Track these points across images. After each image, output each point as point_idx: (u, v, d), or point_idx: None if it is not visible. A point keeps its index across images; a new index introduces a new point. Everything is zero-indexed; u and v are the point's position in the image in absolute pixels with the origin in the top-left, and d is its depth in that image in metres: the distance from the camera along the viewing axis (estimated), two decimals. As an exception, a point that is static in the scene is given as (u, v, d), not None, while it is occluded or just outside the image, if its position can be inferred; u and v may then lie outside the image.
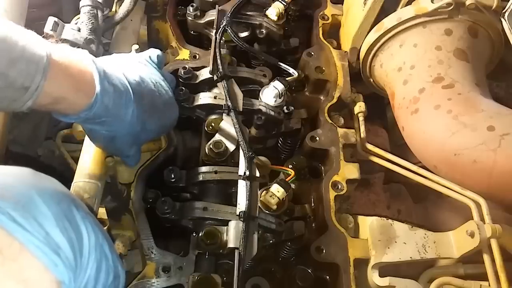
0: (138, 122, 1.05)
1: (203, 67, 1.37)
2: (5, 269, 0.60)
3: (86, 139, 1.21)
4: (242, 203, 1.10)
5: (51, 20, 1.24)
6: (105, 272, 0.74)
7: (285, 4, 1.51)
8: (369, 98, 1.57)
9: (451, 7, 1.35)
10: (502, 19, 1.28)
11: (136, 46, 1.31)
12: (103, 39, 1.39)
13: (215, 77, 1.30)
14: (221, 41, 1.39)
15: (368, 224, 1.25)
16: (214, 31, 1.41)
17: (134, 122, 1.04)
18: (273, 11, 1.50)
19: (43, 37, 0.90)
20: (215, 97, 1.28)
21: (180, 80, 1.32)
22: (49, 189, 0.73)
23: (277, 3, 1.51)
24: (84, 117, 0.95)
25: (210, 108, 1.29)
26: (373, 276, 1.18)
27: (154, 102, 1.09)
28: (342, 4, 1.70)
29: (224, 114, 1.26)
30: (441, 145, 1.24)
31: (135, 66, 1.11)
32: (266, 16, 1.51)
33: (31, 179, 0.74)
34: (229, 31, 1.41)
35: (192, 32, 1.58)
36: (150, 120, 1.09)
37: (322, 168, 1.41)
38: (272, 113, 1.29)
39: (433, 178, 1.33)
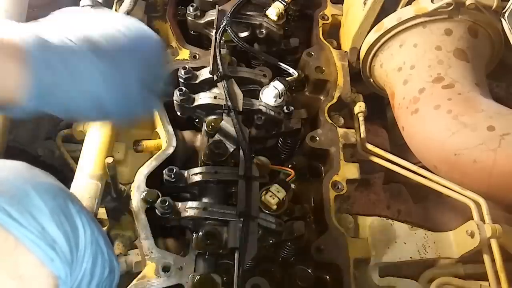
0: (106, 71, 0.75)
1: (203, 67, 1.37)
2: (0, 265, 0.60)
3: (86, 139, 1.21)
4: (242, 203, 1.10)
5: (51, 20, 1.24)
6: (101, 266, 0.74)
7: (285, 4, 1.51)
8: (369, 98, 1.57)
9: (451, 7, 1.35)
10: (502, 19, 1.28)
11: (136, 46, 1.31)
12: (103, 39, 1.39)
13: (215, 77, 1.30)
14: (221, 41, 1.39)
15: (368, 224, 1.25)
16: (214, 31, 1.41)
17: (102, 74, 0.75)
18: (273, 11, 1.50)
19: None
20: (215, 97, 1.28)
21: (180, 80, 1.32)
22: (44, 183, 0.72)
23: (277, 3, 1.51)
24: (36, 102, 0.70)
25: (210, 108, 1.29)
26: (373, 276, 1.18)
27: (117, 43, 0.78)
28: (342, 4, 1.70)
29: (224, 114, 1.26)
30: (441, 145, 1.24)
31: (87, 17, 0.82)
32: (266, 16, 1.51)
33: (26, 173, 0.73)
34: (229, 31, 1.41)
35: (192, 32, 1.58)
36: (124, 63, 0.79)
37: (322, 168, 1.41)
38: (272, 113, 1.29)
39: (433, 178, 1.33)
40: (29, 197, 0.66)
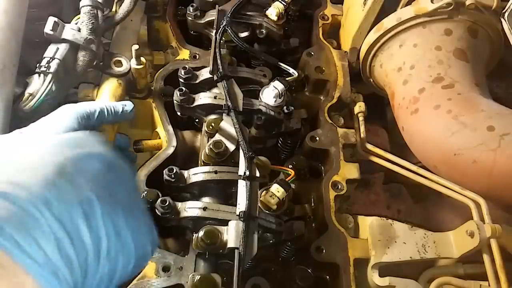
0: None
1: (203, 67, 1.37)
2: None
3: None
4: (242, 203, 1.10)
5: (51, 20, 1.24)
6: (122, 264, 0.68)
7: (285, 4, 1.51)
8: (369, 98, 1.57)
9: (451, 7, 1.35)
10: (502, 19, 1.29)
11: (136, 46, 1.31)
12: (103, 39, 1.39)
13: (215, 77, 1.30)
14: (221, 41, 1.39)
15: (368, 224, 1.25)
16: (214, 31, 1.41)
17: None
18: (273, 11, 1.50)
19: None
20: (215, 97, 1.28)
21: (180, 80, 1.32)
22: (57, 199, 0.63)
23: (277, 3, 1.51)
24: None
25: (210, 108, 1.29)
26: (373, 276, 1.18)
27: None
28: (342, 4, 1.70)
29: (224, 114, 1.26)
30: (441, 145, 1.24)
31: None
32: (266, 16, 1.51)
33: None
34: (229, 31, 1.41)
35: (192, 32, 1.58)
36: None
37: (322, 168, 1.41)
38: (272, 113, 1.29)
39: (433, 178, 1.33)
40: (36, 220, 0.63)
